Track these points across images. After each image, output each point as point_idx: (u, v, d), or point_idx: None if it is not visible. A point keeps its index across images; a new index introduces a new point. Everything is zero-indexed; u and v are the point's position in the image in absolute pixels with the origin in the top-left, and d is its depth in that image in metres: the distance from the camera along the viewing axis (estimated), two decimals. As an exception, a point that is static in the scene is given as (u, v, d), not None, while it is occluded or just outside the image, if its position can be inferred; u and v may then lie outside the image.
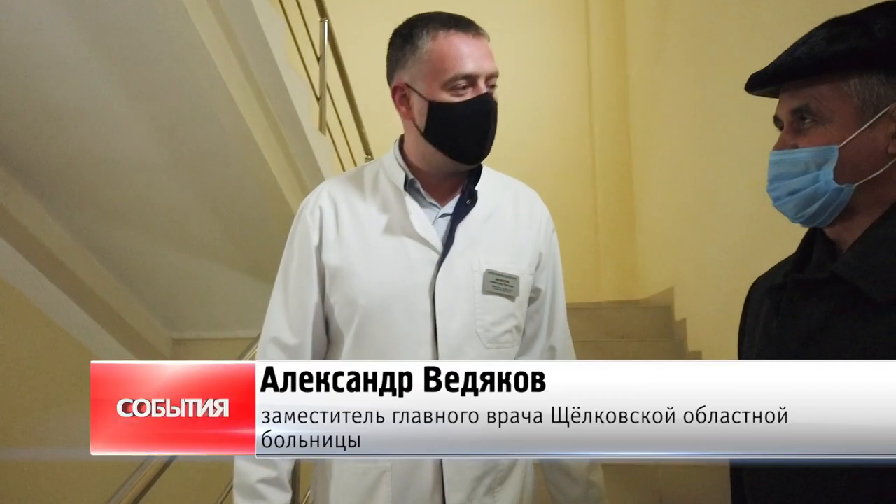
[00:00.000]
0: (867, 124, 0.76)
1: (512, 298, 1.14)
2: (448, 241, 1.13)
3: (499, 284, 1.13)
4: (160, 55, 2.26)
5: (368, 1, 5.21)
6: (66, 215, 3.05)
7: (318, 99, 3.24)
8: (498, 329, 1.13)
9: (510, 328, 1.15)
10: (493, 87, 1.12)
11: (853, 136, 0.77)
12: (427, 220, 1.15)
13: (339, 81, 3.57)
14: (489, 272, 1.13)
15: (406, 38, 1.13)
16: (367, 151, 3.93)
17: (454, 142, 1.12)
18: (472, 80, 1.09)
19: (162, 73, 2.34)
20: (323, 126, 3.24)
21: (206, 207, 3.05)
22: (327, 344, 1.22)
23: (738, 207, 2.50)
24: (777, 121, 0.87)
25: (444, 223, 1.16)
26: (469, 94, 1.09)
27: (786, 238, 1.96)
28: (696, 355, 3.16)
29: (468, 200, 1.17)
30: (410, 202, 1.15)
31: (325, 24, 3.27)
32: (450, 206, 1.18)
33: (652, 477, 2.74)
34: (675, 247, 3.79)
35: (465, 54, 1.08)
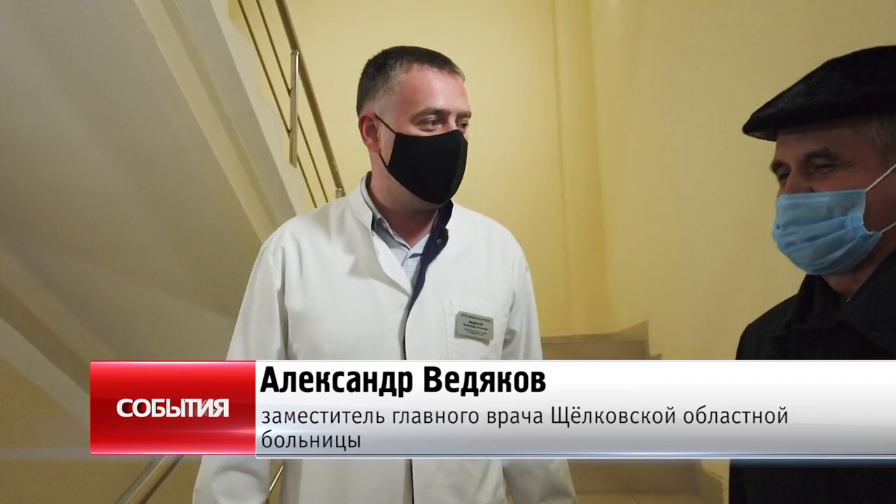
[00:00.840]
0: (893, 168, 0.74)
1: (486, 342, 1.11)
2: (418, 282, 1.09)
3: (472, 327, 1.10)
4: (125, 84, 2.22)
5: (340, 34, 5.26)
6: (18, 247, 2.95)
7: (288, 132, 3.23)
8: None
9: None
10: (464, 125, 1.10)
11: (880, 179, 0.74)
12: (396, 260, 1.11)
13: (311, 114, 3.56)
14: (462, 314, 1.09)
15: (379, 67, 1.11)
16: (339, 185, 3.92)
17: (419, 178, 1.09)
18: (442, 115, 1.07)
19: (126, 103, 2.29)
20: (293, 159, 3.21)
21: (170, 241, 2.98)
22: None
23: (715, 241, 2.53)
24: (780, 166, 0.83)
25: (414, 264, 1.13)
26: (438, 130, 1.07)
27: (764, 273, 1.97)
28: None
29: (439, 240, 1.14)
30: (378, 242, 1.12)
31: (297, 56, 3.28)
32: (419, 246, 1.14)
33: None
34: (648, 280, 3.82)
35: (437, 89, 1.07)
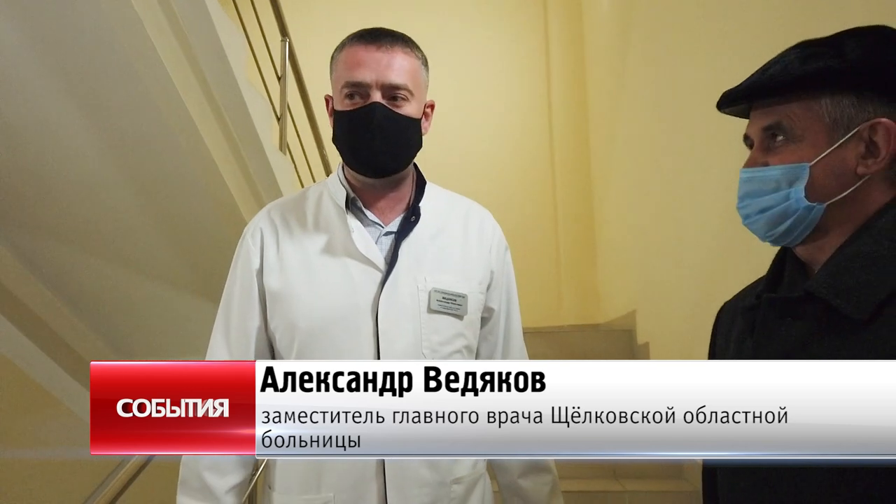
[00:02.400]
0: (838, 143, 0.77)
1: (460, 317, 1.13)
2: (392, 259, 1.11)
3: (446, 303, 1.11)
4: (113, 69, 2.18)
5: (331, 21, 5.20)
6: (7, 236, 2.91)
7: (278, 119, 3.20)
8: (446, 349, 1.11)
9: (459, 348, 1.13)
10: (393, 98, 1.09)
11: (824, 154, 0.77)
12: (370, 238, 1.14)
13: (300, 101, 3.53)
14: (435, 290, 1.11)
15: (333, 53, 1.16)
16: (328, 172, 3.88)
17: (348, 151, 1.12)
18: (361, 88, 1.08)
19: (114, 88, 2.26)
20: (283, 146, 3.19)
21: (160, 228, 2.95)
22: None
23: (703, 229, 2.54)
24: (747, 139, 0.87)
25: (388, 241, 1.15)
26: (360, 103, 1.09)
27: (751, 260, 1.98)
28: (659, 377, 3.17)
29: (413, 217, 1.16)
30: (352, 221, 1.14)
31: (287, 43, 3.25)
32: (394, 224, 1.17)
33: None
34: (636, 269, 3.83)
35: (357, 63, 1.09)
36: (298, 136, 3.62)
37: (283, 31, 3.25)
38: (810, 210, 0.78)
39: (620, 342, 3.91)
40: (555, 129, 5.38)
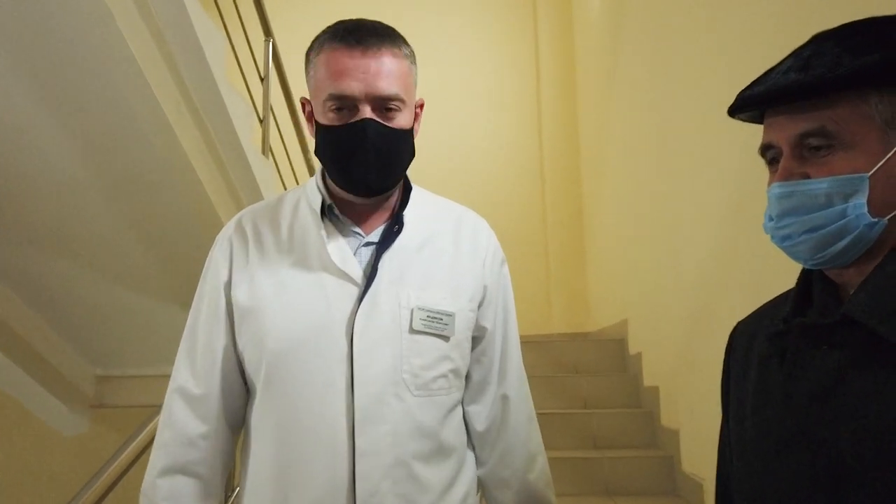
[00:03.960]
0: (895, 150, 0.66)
1: (446, 338, 1.01)
2: (371, 273, 0.99)
3: (431, 322, 0.99)
4: (83, 64, 2.07)
5: (316, 21, 5.09)
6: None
7: (261, 121, 3.09)
8: (429, 374, 0.99)
9: (444, 372, 1.01)
10: (388, 109, 0.97)
11: (883, 161, 0.66)
12: (348, 249, 1.01)
13: (284, 104, 3.43)
14: (419, 308, 0.99)
15: (308, 49, 1.03)
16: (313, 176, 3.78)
17: (337, 169, 1.00)
18: (348, 102, 0.95)
19: (86, 85, 2.14)
20: (266, 149, 3.08)
21: (135, 233, 2.83)
22: (246, 394, 1.07)
23: (699, 236, 2.45)
24: (769, 149, 0.74)
25: (369, 253, 1.03)
26: (347, 118, 0.96)
27: (748, 270, 1.91)
28: (653, 391, 3.08)
29: (395, 227, 1.04)
30: (329, 229, 1.02)
31: (270, 43, 3.14)
32: (375, 234, 1.04)
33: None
34: (628, 278, 3.75)
35: (342, 72, 0.95)
36: (282, 139, 3.52)
37: (267, 31, 3.15)
38: (872, 227, 0.67)
39: (612, 351, 3.83)
40: (544, 135, 5.31)
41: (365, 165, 0.97)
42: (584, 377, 3.50)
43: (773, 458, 0.73)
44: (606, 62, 4.13)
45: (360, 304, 0.97)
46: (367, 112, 0.96)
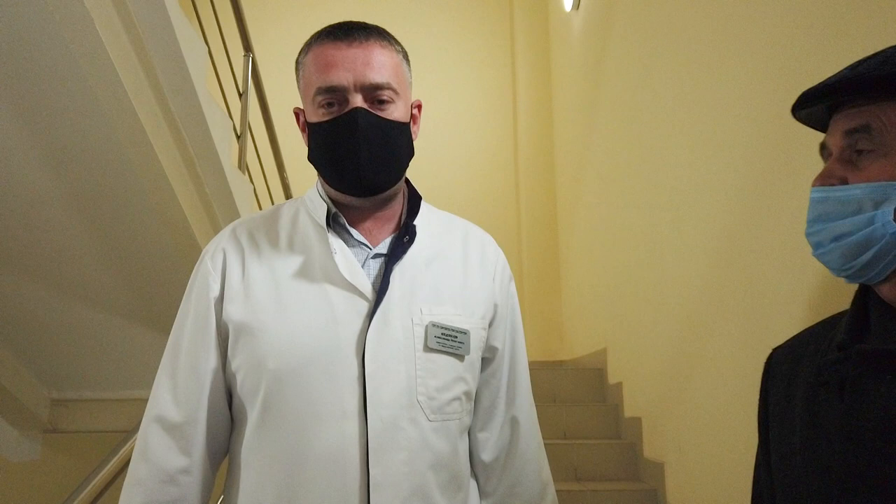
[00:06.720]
0: None
1: (461, 358, 0.94)
2: (382, 287, 0.92)
3: (445, 340, 0.92)
4: (55, 69, 1.96)
5: (296, 38, 5.04)
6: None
7: (238, 137, 3.00)
8: (444, 396, 0.92)
9: (458, 395, 0.94)
10: (382, 101, 0.92)
11: None
12: (356, 261, 0.94)
13: (262, 121, 3.34)
14: (433, 325, 0.92)
15: (297, 58, 1.00)
16: (288, 196, 3.69)
17: (328, 167, 0.95)
18: (338, 93, 0.91)
19: (57, 91, 2.03)
20: (243, 165, 2.98)
21: (102, 250, 2.69)
22: (231, 424, 0.97)
23: (687, 260, 2.42)
24: (824, 149, 0.73)
25: (377, 265, 0.96)
26: (337, 111, 0.92)
27: (748, 293, 1.87)
28: (635, 422, 3.03)
29: (405, 238, 0.97)
30: (335, 241, 0.95)
31: (250, 58, 3.07)
32: (384, 246, 0.98)
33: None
34: (606, 306, 3.71)
35: (329, 64, 0.91)
36: (258, 156, 3.42)
37: (247, 47, 3.08)
38: None
39: (590, 381, 3.77)
40: (520, 161, 5.31)
41: (356, 158, 0.91)
42: (563, 406, 3.44)
43: (834, 502, 0.67)
44: (585, 84, 4.15)
45: (370, 320, 0.89)
46: (357, 102, 0.90)
